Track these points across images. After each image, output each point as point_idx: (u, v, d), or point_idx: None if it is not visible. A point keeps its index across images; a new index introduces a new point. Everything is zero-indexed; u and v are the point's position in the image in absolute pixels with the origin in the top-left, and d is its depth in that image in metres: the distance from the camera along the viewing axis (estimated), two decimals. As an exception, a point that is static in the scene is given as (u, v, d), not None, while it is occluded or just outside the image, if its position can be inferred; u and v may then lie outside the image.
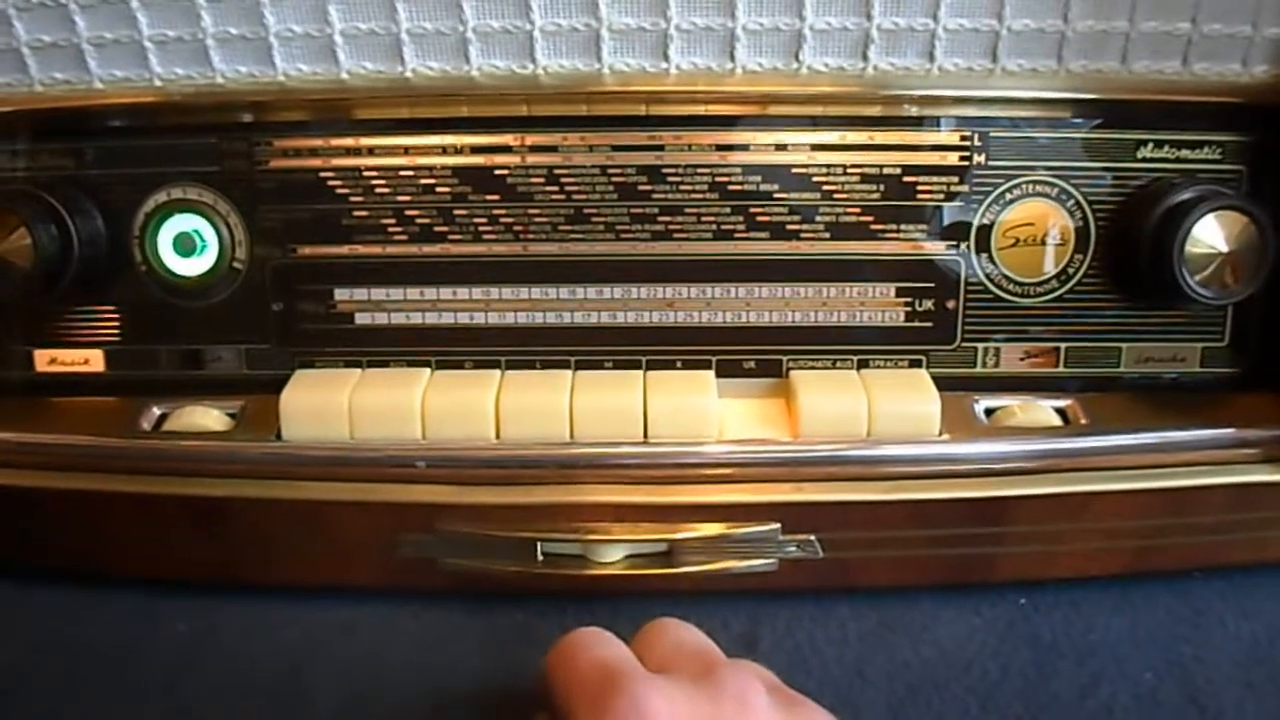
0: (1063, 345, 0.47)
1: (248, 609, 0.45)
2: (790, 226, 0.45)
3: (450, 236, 0.46)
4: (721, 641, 0.45)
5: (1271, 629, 0.45)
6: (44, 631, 0.45)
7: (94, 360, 0.48)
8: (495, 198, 0.45)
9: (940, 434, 0.45)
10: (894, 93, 0.44)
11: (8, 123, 0.45)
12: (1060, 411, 0.47)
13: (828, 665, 0.43)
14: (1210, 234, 0.43)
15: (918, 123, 0.45)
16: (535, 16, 0.42)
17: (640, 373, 0.46)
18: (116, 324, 0.48)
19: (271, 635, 0.45)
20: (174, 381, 0.48)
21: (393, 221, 0.46)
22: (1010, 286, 0.46)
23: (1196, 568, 0.47)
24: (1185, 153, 0.45)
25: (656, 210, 0.45)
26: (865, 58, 0.43)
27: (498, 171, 0.45)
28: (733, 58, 0.43)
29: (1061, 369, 0.47)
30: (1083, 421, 0.46)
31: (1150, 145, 0.45)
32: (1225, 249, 0.43)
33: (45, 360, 0.48)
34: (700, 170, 0.45)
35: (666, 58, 0.43)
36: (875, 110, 0.44)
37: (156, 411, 0.47)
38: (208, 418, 0.47)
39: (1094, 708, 0.41)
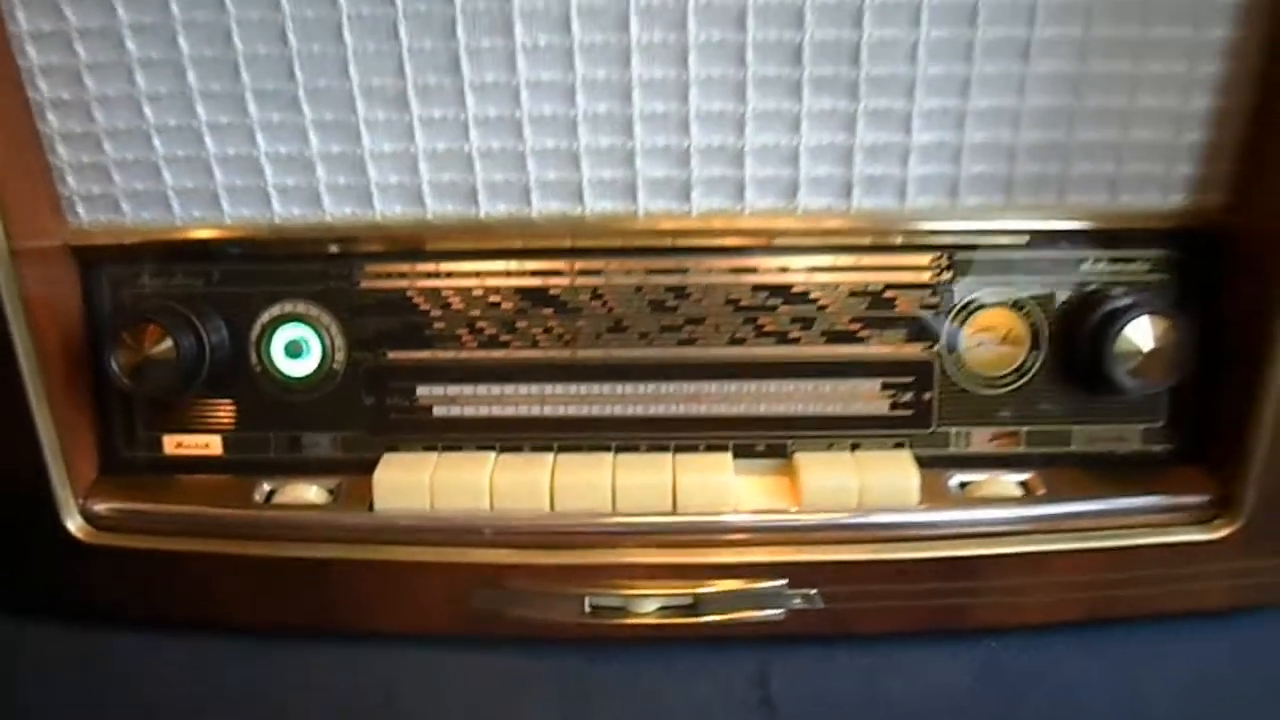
0: (1023, 428, 0.55)
1: (345, 651, 0.54)
2: (792, 334, 0.54)
3: (513, 344, 0.55)
4: (737, 680, 0.54)
5: (1206, 667, 0.52)
6: (174, 672, 0.54)
7: (213, 445, 0.57)
8: (549, 312, 0.55)
9: (920, 504, 0.53)
10: (876, 225, 0.52)
11: (152, 250, 0.55)
12: (1022, 484, 0.54)
13: (832, 700, 0.51)
14: (1139, 335, 0.51)
15: (896, 248, 0.53)
16: (584, 169, 0.52)
17: (670, 455, 0.55)
18: (233, 414, 0.57)
19: (365, 673, 0.53)
20: (280, 463, 0.56)
21: (465, 331, 0.55)
22: (977, 380, 0.55)
23: (1143, 615, 0.54)
24: (1119, 266, 0.54)
25: (682, 321, 0.54)
26: (850, 198, 0.52)
27: (551, 291, 0.54)
28: (743, 199, 0.52)
29: (1023, 448, 0.55)
30: (1041, 492, 0.54)
31: (1090, 261, 0.54)
32: (1151, 347, 0.51)
33: (172, 444, 0.57)
34: (717, 289, 0.54)
35: (689, 200, 0.52)
36: (861, 240, 0.53)
37: (266, 487, 0.56)
38: (310, 492, 0.55)
39: (1055, 732, 0.49)
